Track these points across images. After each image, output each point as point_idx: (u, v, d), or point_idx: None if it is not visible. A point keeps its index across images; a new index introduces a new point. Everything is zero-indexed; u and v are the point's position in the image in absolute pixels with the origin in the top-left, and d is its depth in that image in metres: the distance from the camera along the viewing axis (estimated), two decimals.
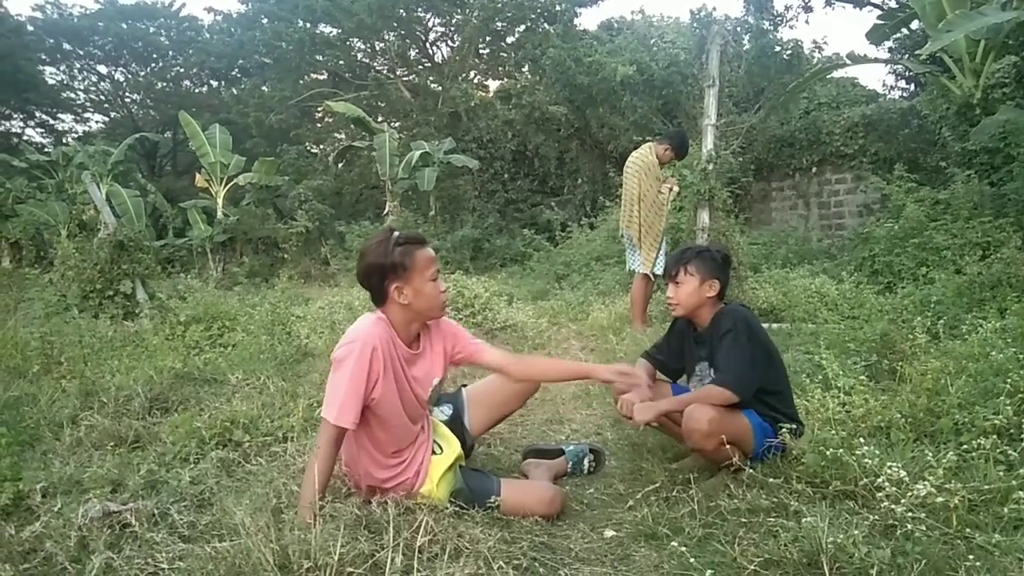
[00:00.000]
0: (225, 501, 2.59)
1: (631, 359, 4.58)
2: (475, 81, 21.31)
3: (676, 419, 2.78)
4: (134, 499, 2.64)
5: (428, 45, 21.10)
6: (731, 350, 2.76)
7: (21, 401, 4.04)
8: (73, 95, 27.75)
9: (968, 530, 2.11)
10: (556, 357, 5.63)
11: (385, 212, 15.54)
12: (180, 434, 3.33)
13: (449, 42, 21.06)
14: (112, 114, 28.77)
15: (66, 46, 25.84)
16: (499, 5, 18.36)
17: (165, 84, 27.92)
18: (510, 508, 2.54)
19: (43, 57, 25.54)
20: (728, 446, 2.54)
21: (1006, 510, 2.14)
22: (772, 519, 2.26)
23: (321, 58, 20.87)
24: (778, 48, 13.71)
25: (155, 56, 27.38)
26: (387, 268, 2.45)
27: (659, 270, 6.45)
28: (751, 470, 2.56)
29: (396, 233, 2.49)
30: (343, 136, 20.80)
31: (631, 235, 6.54)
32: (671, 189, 6.48)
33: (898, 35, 13.01)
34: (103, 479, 2.84)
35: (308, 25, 19.79)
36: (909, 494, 2.16)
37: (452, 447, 2.64)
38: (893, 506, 2.14)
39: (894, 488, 2.19)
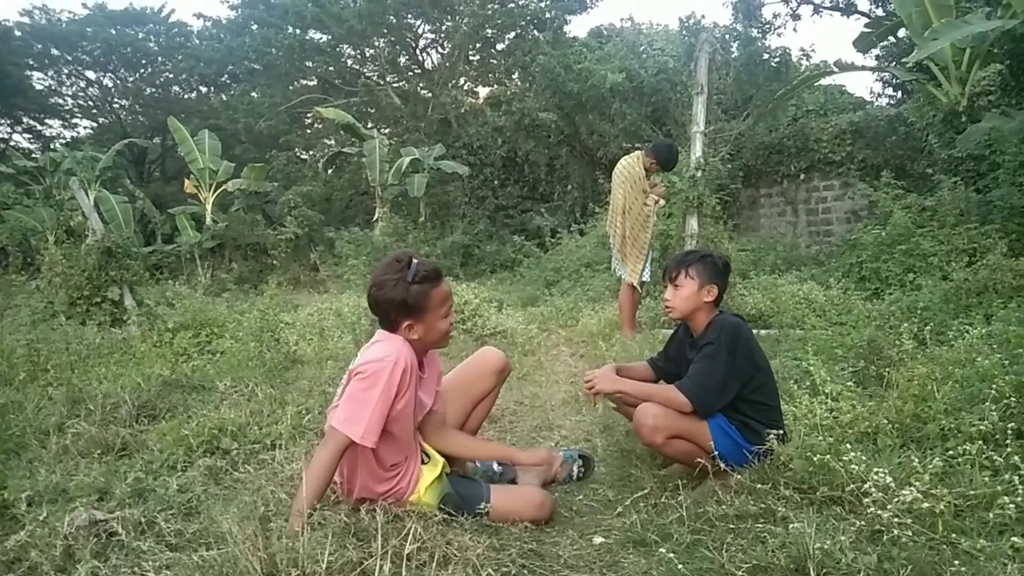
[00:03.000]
0: (213, 509, 2.57)
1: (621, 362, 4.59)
2: (465, 88, 21.35)
3: (633, 404, 2.83)
4: (121, 507, 2.63)
5: (418, 52, 21.12)
6: (703, 361, 2.77)
7: (7, 408, 4.00)
8: (61, 101, 27.61)
9: (954, 535, 2.12)
10: (546, 364, 5.64)
11: (375, 218, 15.54)
12: (167, 442, 3.31)
13: (439, 49, 21.09)
14: (100, 120, 28.62)
15: (54, 51, 25.71)
16: (489, 12, 18.41)
17: (154, 90, 27.81)
18: (500, 514, 2.54)
19: (31, 62, 25.39)
20: (685, 443, 2.67)
21: (991, 515, 2.15)
22: (760, 525, 2.27)
23: (311, 64, 20.85)
24: (766, 56, 13.83)
25: (144, 62, 27.28)
26: (402, 307, 2.42)
27: (647, 278, 6.47)
28: (739, 476, 2.57)
29: (414, 265, 2.43)
30: (333, 142, 20.76)
31: (615, 244, 6.56)
32: (656, 202, 6.48)
33: (885, 43, 13.16)
34: (89, 487, 2.83)
35: (298, 31, 19.79)
36: (896, 500, 2.17)
37: (436, 457, 2.64)
38: (880, 512, 2.15)
39: (881, 494, 2.21)
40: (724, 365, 2.73)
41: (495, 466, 3.09)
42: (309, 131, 22.57)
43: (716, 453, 2.68)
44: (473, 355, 3.07)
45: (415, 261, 2.45)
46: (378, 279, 2.46)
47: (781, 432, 2.75)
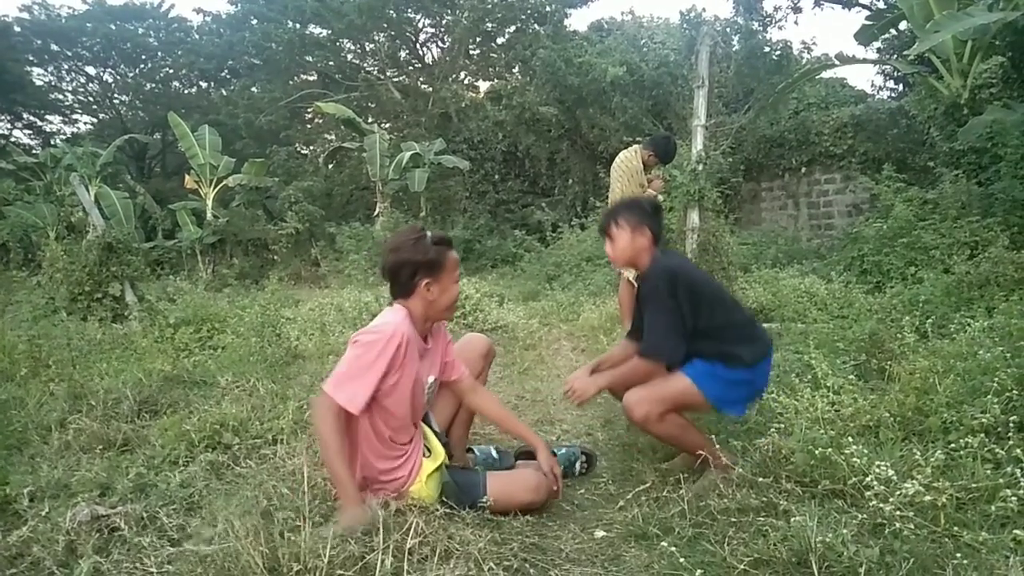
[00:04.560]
0: (214, 504, 2.57)
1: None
2: (465, 82, 21.30)
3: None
4: (123, 503, 2.63)
5: (418, 46, 21.08)
6: (651, 316, 2.79)
7: (9, 404, 4.01)
8: (61, 96, 27.58)
9: (956, 528, 2.12)
10: (547, 359, 5.64)
11: (375, 213, 15.52)
12: (169, 437, 3.31)
13: (439, 43, 21.05)
14: (100, 115, 28.59)
15: (54, 47, 25.67)
16: (489, 6, 18.36)
17: (154, 85, 27.78)
18: (499, 500, 2.57)
19: (31, 58, 25.35)
20: (680, 420, 2.72)
21: (993, 508, 2.15)
22: (762, 518, 2.27)
23: (311, 59, 20.81)
24: (767, 49, 13.78)
25: (144, 57, 27.22)
26: (421, 264, 2.54)
27: None
28: (740, 470, 2.57)
29: (428, 232, 2.60)
30: (333, 137, 20.75)
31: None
32: (655, 196, 6.46)
33: (886, 36, 13.10)
34: (91, 483, 2.83)
35: (298, 26, 19.73)
36: (897, 493, 2.17)
37: (437, 451, 2.65)
38: (881, 505, 2.15)
39: (882, 487, 2.20)
40: (667, 309, 2.73)
41: (493, 452, 3.11)
42: (309, 126, 22.54)
43: (714, 405, 2.75)
44: (458, 342, 3.08)
45: (428, 231, 2.62)
46: (396, 243, 2.60)
47: (759, 335, 2.81)
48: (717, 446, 2.73)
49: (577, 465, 3.11)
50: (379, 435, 2.51)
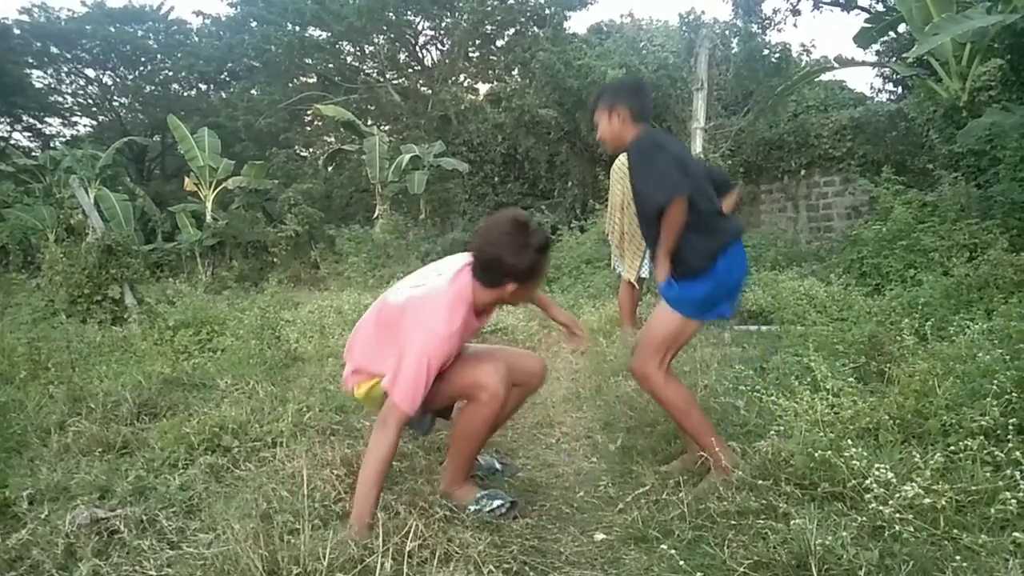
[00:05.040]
0: (214, 507, 2.57)
1: (622, 361, 4.59)
2: (465, 84, 21.32)
3: None
4: (122, 505, 2.63)
5: (418, 48, 21.11)
6: (642, 177, 2.78)
7: (8, 407, 4.01)
8: (61, 99, 27.59)
9: (955, 531, 2.12)
10: (546, 360, 5.63)
11: (375, 215, 15.53)
12: (168, 440, 3.31)
13: (439, 45, 21.08)
14: (100, 118, 28.61)
15: (53, 49, 25.68)
16: (488, 8, 18.39)
17: (153, 87, 27.79)
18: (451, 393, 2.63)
19: (30, 61, 25.38)
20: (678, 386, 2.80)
21: (993, 511, 2.15)
22: (761, 521, 2.26)
23: (310, 61, 20.84)
24: (766, 51, 13.80)
25: (143, 59, 27.25)
26: (515, 271, 2.48)
27: (645, 274, 6.46)
28: (740, 472, 2.57)
29: (537, 233, 2.48)
30: (333, 139, 20.76)
31: (613, 241, 6.55)
32: None
33: (885, 38, 13.14)
34: (91, 485, 2.83)
35: (297, 28, 19.76)
36: (897, 495, 2.17)
37: None
38: (881, 507, 2.15)
39: (882, 490, 2.20)
40: (654, 163, 2.72)
41: (496, 464, 3.09)
42: (309, 128, 22.57)
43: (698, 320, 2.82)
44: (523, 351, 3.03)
45: (532, 227, 2.49)
46: (498, 240, 2.47)
47: (720, 228, 2.79)
48: (719, 445, 2.72)
49: (495, 503, 2.63)
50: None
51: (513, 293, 2.52)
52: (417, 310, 2.48)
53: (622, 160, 6.49)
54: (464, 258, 2.61)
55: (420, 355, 2.37)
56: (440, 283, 2.54)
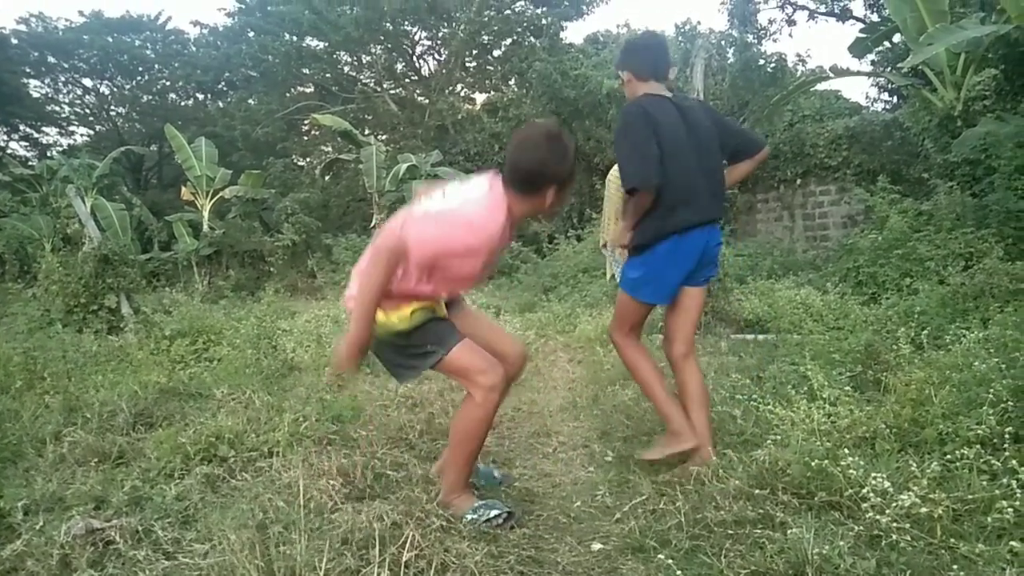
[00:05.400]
0: (210, 517, 2.56)
1: (619, 370, 4.59)
2: (462, 94, 21.38)
3: None
4: (118, 516, 2.62)
5: (415, 58, 21.17)
6: (616, 149, 2.94)
7: (3, 417, 3.98)
8: (58, 108, 27.57)
9: (952, 540, 2.12)
10: (543, 371, 5.64)
11: (372, 225, 15.53)
12: (164, 450, 3.30)
13: (436, 55, 21.15)
14: (97, 127, 28.59)
15: (51, 59, 25.68)
16: (485, 19, 18.46)
17: (151, 97, 27.81)
18: (451, 366, 2.60)
19: (27, 70, 25.37)
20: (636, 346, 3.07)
21: (990, 519, 2.15)
22: (758, 531, 2.26)
23: (308, 71, 20.90)
24: (762, 61, 13.88)
25: (141, 69, 27.26)
26: (558, 176, 2.52)
27: None
28: (737, 481, 2.57)
29: (566, 138, 2.54)
30: (330, 149, 20.80)
31: (611, 248, 6.54)
32: None
33: (880, 48, 13.18)
34: (86, 496, 2.82)
35: (295, 38, 19.82)
36: (894, 504, 2.17)
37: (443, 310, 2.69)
38: (878, 516, 2.15)
39: (879, 498, 2.21)
40: (628, 142, 2.83)
41: (495, 472, 3.09)
42: (306, 138, 22.60)
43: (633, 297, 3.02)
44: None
45: (564, 134, 2.56)
46: (540, 149, 2.51)
47: (675, 215, 2.86)
48: (674, 413, 2.93)
49: (493, 513, 2.58)
50: (418, 287, 2.53)
51: (552, 202, 2.55)
52: (452, 211, 2.49)
53: (616, 169, 6.50)
54: (485, 178, 2.62)
55: (448, 218, 2.43)
56: (475, 192, 2.56)
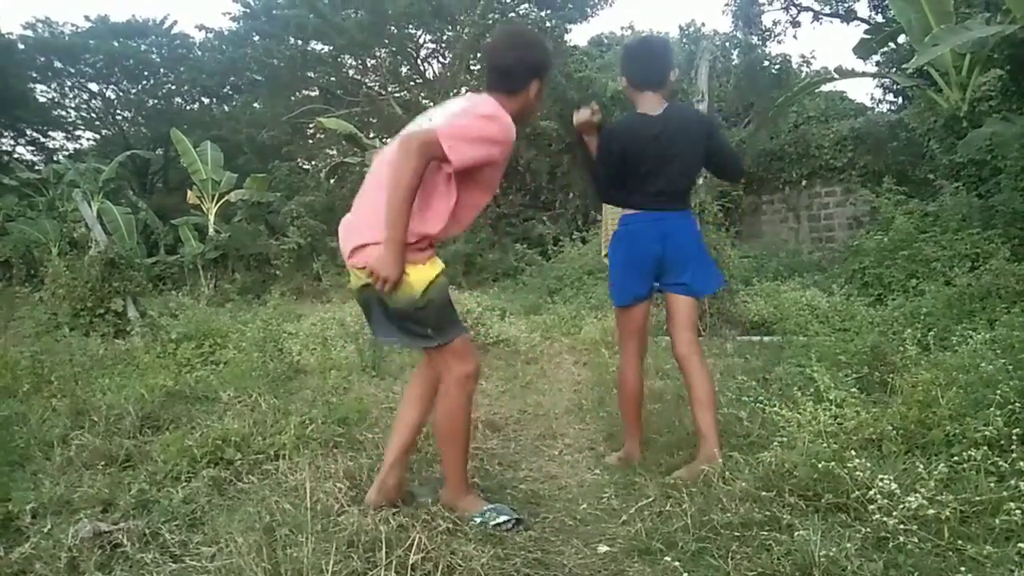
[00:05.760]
0: (217, 520, 2.57)
1: None
2: None
3: None
4: (125, 519, 2.63)
5: (419, 61, 21.17)
6: None
7: (11, 420, 4.01)
8: (64, 113, 27.65)
9: (960, 542, 2.11)
10: (549, 373, 5.64)
11: None
12: (171, 453, 3.31)
13: (440, 58, 21.14)
14: (103, 131, 28.66)
15: (57, 64, 25.75)
16: (490, 22, 18.45)
17: (156, 101, 27.85)
18: (440, 355, 2.59)
19: (34, 75, 25.43)
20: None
21: (997, 521, 2.15)
22: (765, 533, 2.26)
23: (312, 75, 20.90)
24: (766, 63, 13.88)
25: (146, 73, 27.32)
26: (538, 65, 2.64)
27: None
28: (744, 483, 2.56)
29: (532, 32, 2.77)
30: (335, 152, 20.79)
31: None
32: None
33: (885, 49, 13.20)
34: (93, 499, 2.83)
35: (299, 42, 19.83)
36: (901, 506, 2.17)
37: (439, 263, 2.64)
38: (885, 518, 2.14)
39: (886, 500, 2.20)
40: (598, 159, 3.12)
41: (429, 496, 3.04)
42: (311, 141, 22.61)
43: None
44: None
45: (530, 31, 2.79)
46: (515, 44, 2.67)
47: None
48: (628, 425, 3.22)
49: (502, 519, 2.56)
50: (454, 208, 2.53)
51: (536, 93, 2.64)
52: (468, 107, 2.53)
53: None
54: (466, 95, 2.68)
55: (472, 111, 2.47)
56: (472, 98, 2.61)
